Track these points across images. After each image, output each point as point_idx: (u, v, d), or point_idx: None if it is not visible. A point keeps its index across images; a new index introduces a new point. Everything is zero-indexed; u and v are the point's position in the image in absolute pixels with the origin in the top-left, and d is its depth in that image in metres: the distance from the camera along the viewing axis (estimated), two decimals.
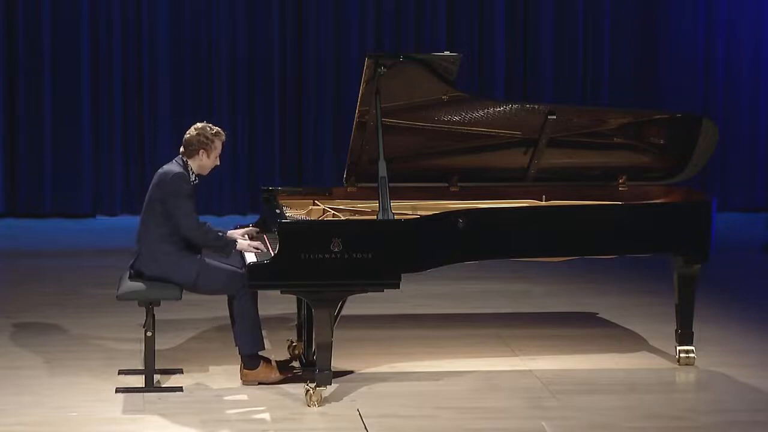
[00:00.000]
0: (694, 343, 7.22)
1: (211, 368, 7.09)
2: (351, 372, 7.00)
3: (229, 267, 6.75)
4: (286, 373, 6.88)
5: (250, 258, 6.63)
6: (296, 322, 7.47)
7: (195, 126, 6.79)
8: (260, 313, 6.81)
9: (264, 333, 6.81)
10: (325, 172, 12.66)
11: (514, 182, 7.60)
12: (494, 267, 9.36)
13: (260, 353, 6.79)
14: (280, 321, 8.08)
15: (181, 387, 6.71)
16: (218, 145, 6.78)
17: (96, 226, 12.29)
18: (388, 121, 6.98)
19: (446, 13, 12.91)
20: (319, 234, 6.41)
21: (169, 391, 6.65)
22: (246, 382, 6.78)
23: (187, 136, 6.77)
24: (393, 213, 6.59)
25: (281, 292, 6.50)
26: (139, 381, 6.74)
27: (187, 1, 12.57)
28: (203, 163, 6.76)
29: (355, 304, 7.22)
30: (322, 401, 6.43)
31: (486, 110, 7.36)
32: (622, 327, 8.16)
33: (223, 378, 6.89)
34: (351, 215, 7.13)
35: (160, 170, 6.76)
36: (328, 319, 6.44)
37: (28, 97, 12.43)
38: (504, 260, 7.29)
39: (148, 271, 6.69)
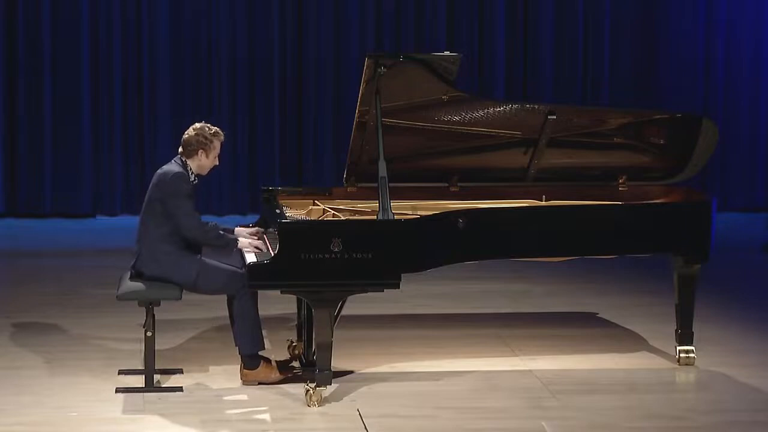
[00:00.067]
0: (694, 343, 7.22)
1: (211, 368, 7.09)
2: (351, 372, 7.00)
3: (229, 267, 6.75)
4: (286, 373, 6.88)
5: (250, 258, 6.63)
6: (296, 322, 7.47)
7: (193, 126, 6.79)
8: (260, 313, 6.81)
9: (264, 333, 6.81)
10: (325, 172, 12.67)
11: (514, 182, 7.60)
12: (494, 267, 9.36)
13: (260, 353, 6.78)
14: (280, 321, 8.08)
15: (181, 387, 6.71)
16: (217, 145, 6.78)
17: (96, 226, 12.30)
18: (388, 121, 6.98)
19: (446, 13, 12.91)
20: (319, 234, 6.41)
21: (169, 391, 6.64)
22: (246, 382, 6.77)
23: (185, 136, 6.76)
24: (393, 213, 6.58)
25: (281, 292, 6.50)
26: (139, 381, 6.73)
27: (187, 1, 12.57)
28: (202, 163, 6.76)
29: (355, 304, 7.22)
30: (322, 401, 6.43)
31: (486, 110, 7.36)
32: (622, 327, 8.16)
33: (223, 378, 6.89)
34: (351, 215, 7.13)
35: (159, 170, 6.77)
36: (328, 319, 6.44)
37: (28, 97, 12.43)
38: (504, 260, 7.29)
39: (148, 271, 6.69)
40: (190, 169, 6.73)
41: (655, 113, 7.71)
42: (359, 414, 6.30)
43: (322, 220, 6.99)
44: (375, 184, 6.65)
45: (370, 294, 6.63)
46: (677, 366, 7.20)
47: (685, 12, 13.18)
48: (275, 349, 7.32)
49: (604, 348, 7.62)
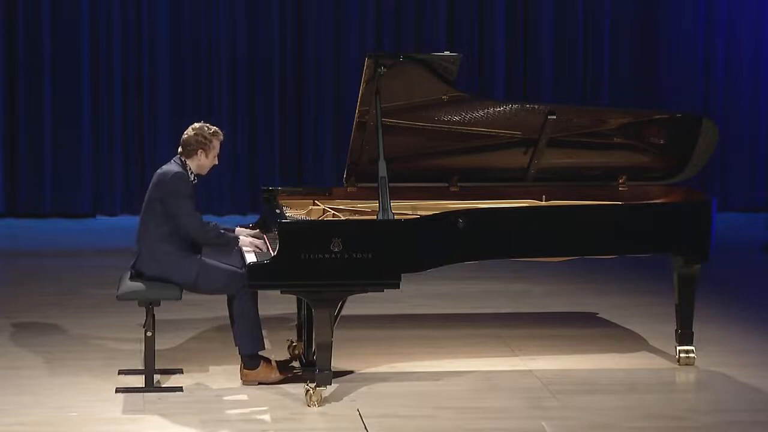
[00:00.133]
0: (694, 343, 7.22)
1: (211, 368, 7.09)
2: (351, 372, 7.00)
3: (229, 267, 6.75)
4: (286, 373, 6.88)
5: (250, 258, 6.63)
6: (296, 322, 7.47)
7: (193, 126, 6.79)
8: (260, 313, 6.81)
9: (264, 333, 6.81)
10: (325, 172, 12.66)
11: (514, 182, 7.60)
12: (494, 267, 9.36)
13: (260, 353, 6.78)
14: (280, 321, 8.08)
15: (181, 387, 6.71)
16: (216, 144, 6.78)
17: (96, 226, 12.30)
18: (388, 121, 6.98)
19: (446, 13, 12.91)
20: (319, 234, 6.41)
21: (169, 391, 6.64)
22: (246, 382, 6.77)
23: (184, 136, 6.76)
24: (393, 213, 6.58)
25: (281, 292, 6.49)
26: (139, 381, 6.73)
27: (187, 1, 12.57)
28: (202, 162, 6.76)
29: (355, 304, 7.22)
30: (322, 401, 6.43)
31: (486, 110, 7.35)
32: (622, 327, 8.16)
33: (223, 378, 6.89)
34: (351, 215, 7.13)
35: (159, 170, 6.77)
36: (328, 319, 6.44)
37: (28, 97, 12.43)
38: (504, 260, 7.29)
39: (148, 271, 6.69)
40: (190, 169, 6.73)
41: (655, 113, 7.71)
42: (359, 414, 6.30)
43: (322, 220, 6.99)
44: (375, 184, 6.65)
45: (370, 294, 6.63)
46: (677, 366, 7.20)
47: (685, 12, 13.18)
48: (275, 349, 7.32)
49: (604, 348, 7.62)
